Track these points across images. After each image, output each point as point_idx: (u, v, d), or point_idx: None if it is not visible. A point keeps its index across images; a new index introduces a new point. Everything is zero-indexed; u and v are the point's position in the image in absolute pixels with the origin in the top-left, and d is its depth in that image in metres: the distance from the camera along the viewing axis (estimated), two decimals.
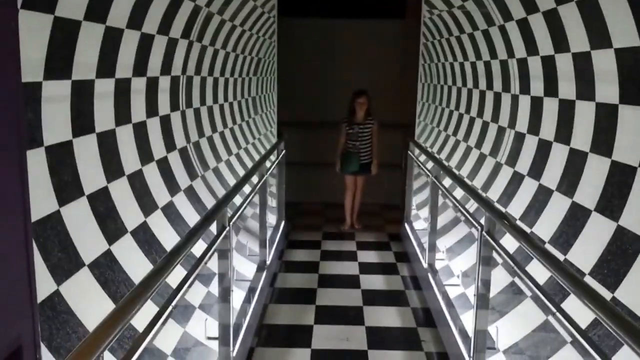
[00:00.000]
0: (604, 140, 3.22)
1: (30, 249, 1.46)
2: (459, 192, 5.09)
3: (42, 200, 2.46)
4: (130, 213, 3.27)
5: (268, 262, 5.28)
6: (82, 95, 2.93)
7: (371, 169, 7.46)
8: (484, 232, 3.34)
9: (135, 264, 3.10)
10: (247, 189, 4.75)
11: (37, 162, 2.49)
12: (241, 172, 6.06)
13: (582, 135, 3.51)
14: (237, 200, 4.19)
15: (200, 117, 5.13)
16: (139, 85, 3.71)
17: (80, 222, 2.72)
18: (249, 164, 6.54)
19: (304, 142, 8.70)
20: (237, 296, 4.18)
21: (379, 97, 8.01)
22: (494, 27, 4.84)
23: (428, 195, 5.60)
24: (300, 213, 8.41)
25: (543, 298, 2.53)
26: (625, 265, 2.76)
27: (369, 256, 6.50)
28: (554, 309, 2.43)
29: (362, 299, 5.21)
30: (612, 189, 3.11)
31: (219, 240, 3.19)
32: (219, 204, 3.27)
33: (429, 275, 4.99)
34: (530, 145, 4.39)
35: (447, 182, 5.24)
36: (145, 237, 3.34)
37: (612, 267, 2.84)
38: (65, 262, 2.49)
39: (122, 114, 3.44)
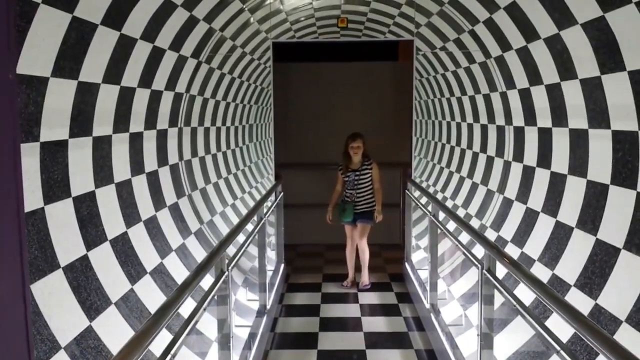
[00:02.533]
0: (591, 217, 3.26)
1: (28, 294, 1.42)
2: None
3: (28, 195, 2.42)
4: (112, 221, 3.23)
5: (268, 307, 5.18)
6: (85, 98, 2.93)
7: (374, 217, 6.64)
8: (484, 271, 3.31)
9: (110, 274, 3.04)
10: (245, 232, 4.67)
11: (30, 156, 2.46)
12: (228, 197, 6.04)
13: (570, 209, 3.56)
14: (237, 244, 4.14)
15: (197, 137, 5.14)
16: (142, 96, 3.72)
17: (62, 222, 2.68)
18: (237, 190, 6.52)
19: (302, 184, 8.67)
20: (237, 342, 4.06)
21: (375, 137, 8.04)
22: (495, 92, 4.95)
23: (427, 235, 5.54)
24: (299, 255, 8.32)
25: (547, 337, 2.49)
26: None
27: (370, 297, 6.36)
28: (558, 347, 2.40)
29: (365, 342, 5.08)
30: (593, 267, 3.14)
31: (217, 286, 3.12)
32: (217, 248, 3.20)
33: (432, 315, 4.91)
34: (516, 212, 4.44)
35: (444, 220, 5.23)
36: (123, 248, 3.29)
37: (585, 343, 2.84)
38: (40, 261, 2.44)
39: (121, 122, 3.43)
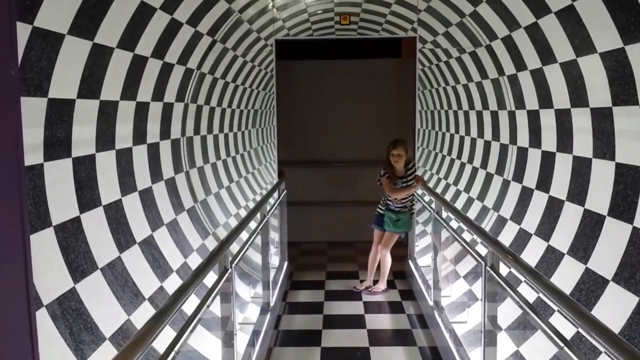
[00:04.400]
0: (583, 246, 3.28)
1: (31, 293, 1.41)
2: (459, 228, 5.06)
3: (30, 151, 2.41)
4: (108, 187, 3.21)
5: (272, 304, 5.18)
6: (98, 60, 2.91)
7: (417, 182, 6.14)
8: (488, 268, 3.31)
9: (99, 239, 3.02)
10: (248, 230, 4.60)
11: (36, 110, 2.45)
12: (224, 179, 6.02)
13: (563, 235, 3.57)
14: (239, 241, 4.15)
15: (201, 115, 5.12)
16: (153, 67, 3.70)
17: (59, 181, 2.66)
18: (234, 173, 6.50)
19: (305, 181, 8.65)
20: (241, 340, 4.04)
21: (379, 134, 8.02)
22: (503, 110, 4.95)
23: (431, 232, 5.53)
24: (302, 253, 8.34)
25: (551, 333, 2.50)
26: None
27: (374, 295, 6.34)
28: (561, 344, 2.41)
29: (368, 339, 5.09)
30: (579, 295, 3.15)
31: (221, 283, 3.12)
32: (220, 246, 3.19)
33: (435, 313, 4.92)
34: (509, 232, 4.46)
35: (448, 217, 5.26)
36: (116, 215, 3.27)
37: (580, 347, 2.85)
38: (33, 217, 2.43)
39: (130, 90, 3.42)
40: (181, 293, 2.36)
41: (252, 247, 4.72)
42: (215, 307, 3.35)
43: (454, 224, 5.17)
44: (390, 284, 6.71)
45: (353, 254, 8.06)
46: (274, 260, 6.31)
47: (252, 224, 4.77)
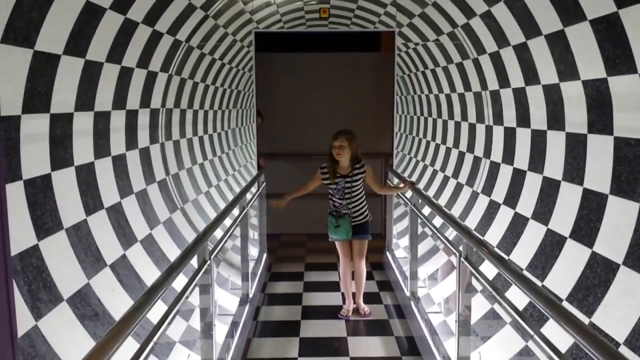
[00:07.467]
0: (542, 264, 3.38)
1: (11, 284, 1.39)
2: (437, 221, 5.14)
3: (9, 100, 2.36)
4: (83, 149, 3.17)
5: (251, 295, 5.21)
6: (89, 17, 2.87)
7: (405, 186, 5.34)
8: (462, 259, 3.39)
9: (67, 199, 2.97)
10: (227, 222, 4.66)
11: (20, 62, 2.40)
12: (199, 156, 5.97)
13: (524, 253, 3.67)
14: (218, 234, 4.17)
15: (183, 88, 5.07)
16: (143, 33, 3.65)
17: (34, 136, 2.63)
18: (209, 152, 6.47)
19: (284, 174, 8.66)
20: (220, 331, 4.05)
21: (357, 127, 8.04)
22: (481, 124, 5.04)
23: (408, 224, 5.59)
24: (282, 245, 8.42)
25: (522, 323, 2.58)
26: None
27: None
28: (532, 333, 2.48)
29: (346, 329, 5.19)
30: (532, 311, 3.25)
31: (199, 275, 3.11)
32: (199, 237, 3.19)
33: (412, 303, 5.01)
34: None
35: (425, 210, 5.35)
36: (87, 178, 3.21)
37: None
38: (4, 168, 2.39)
39: (116, 53, 3.38)
40: (159, 286, 2.34)
41: (231, 239, 4.72)
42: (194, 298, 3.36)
43: (431, 217, 5.26)
44: (369, 275, 6.76)
45: (332, 245, 8.05)
46: (253, 251, 6.32)
47: (232, 216, 4.78)
